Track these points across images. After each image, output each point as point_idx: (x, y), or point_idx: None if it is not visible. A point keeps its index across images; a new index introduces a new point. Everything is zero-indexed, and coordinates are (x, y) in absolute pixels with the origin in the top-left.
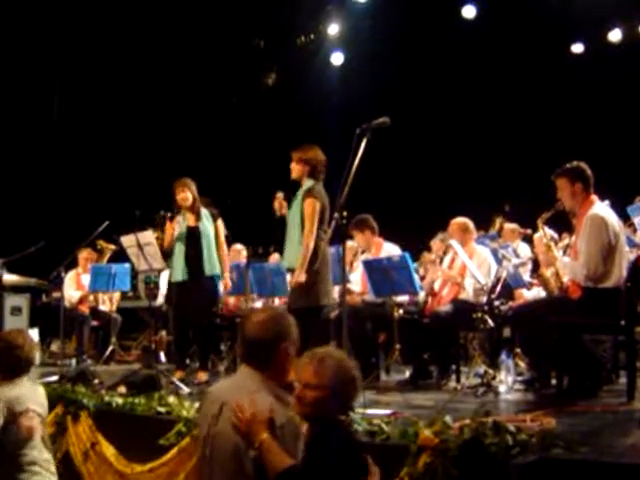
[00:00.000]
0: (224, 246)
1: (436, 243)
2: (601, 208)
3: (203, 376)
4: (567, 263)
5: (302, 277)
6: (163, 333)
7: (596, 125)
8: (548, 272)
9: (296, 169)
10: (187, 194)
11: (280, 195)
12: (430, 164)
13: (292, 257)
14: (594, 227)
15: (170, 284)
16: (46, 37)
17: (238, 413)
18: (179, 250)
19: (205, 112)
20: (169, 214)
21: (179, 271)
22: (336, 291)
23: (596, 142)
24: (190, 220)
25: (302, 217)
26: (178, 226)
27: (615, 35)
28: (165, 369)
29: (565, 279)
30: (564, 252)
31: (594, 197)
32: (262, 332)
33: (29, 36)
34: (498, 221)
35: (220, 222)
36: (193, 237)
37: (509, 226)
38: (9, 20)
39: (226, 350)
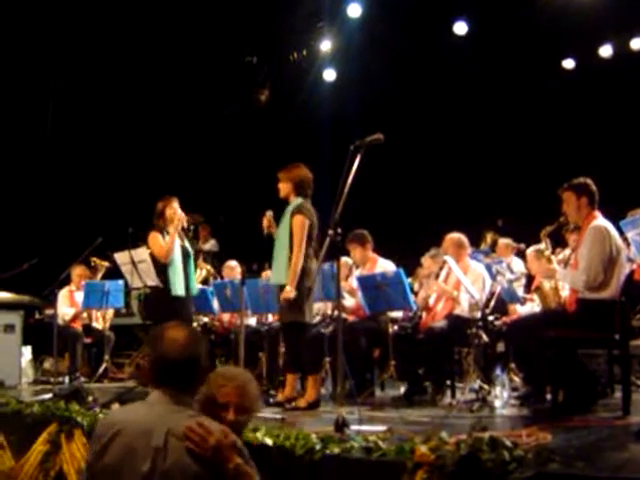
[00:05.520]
0: None
1: (427, 260)
2: (604, 221)
3: None
4: (567, 272)
5: (292, 294)
6: None
7: (588, 140)
8: (547, 285)
9: (283, 188)
10: (178, 211)
11: (269, 214)
12: (423, 180)
13: (280, 273)
14: (597, 236)
15: (161, 298)
16: (39, 55)
17: (196, 439)
18: (179, 265)
19: (198, 129)
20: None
21: (180, 285)
22: (330, 307)
23: (588, 157)
24: (180, 238)
25: (291, 234)
26: (177, 240)
27: (606, 50)
28: None
29: (563, 294)
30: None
31: (597, 213)
32: (188, 352)
33: (22, 54)
34: (489, 236)
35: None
36: (185, 256)
37: (503, 241)
38: (1, 39)
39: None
